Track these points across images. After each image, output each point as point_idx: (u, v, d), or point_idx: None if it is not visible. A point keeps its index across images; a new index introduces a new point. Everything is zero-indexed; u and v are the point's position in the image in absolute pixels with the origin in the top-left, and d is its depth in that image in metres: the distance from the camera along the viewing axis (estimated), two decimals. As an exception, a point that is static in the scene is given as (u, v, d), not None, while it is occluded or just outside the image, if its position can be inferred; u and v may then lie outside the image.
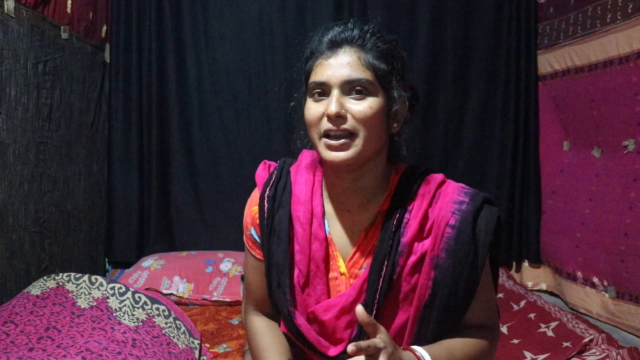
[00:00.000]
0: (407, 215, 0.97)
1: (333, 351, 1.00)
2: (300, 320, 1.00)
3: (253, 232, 1.10)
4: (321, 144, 0.95)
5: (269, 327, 1.09)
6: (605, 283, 2.09)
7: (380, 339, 0.82)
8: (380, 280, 0.95)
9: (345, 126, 0.92)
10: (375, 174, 0.99)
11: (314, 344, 1.00)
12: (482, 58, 2.72)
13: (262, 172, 1.11)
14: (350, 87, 0.92)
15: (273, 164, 1.13)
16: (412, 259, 0.96)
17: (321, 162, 1.06)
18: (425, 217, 0.96)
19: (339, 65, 0.93)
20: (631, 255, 1.95)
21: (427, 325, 0.97)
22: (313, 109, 0.95)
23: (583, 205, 2.26)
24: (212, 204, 2.79)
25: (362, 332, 0.96)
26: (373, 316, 0.94)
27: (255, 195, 1.12)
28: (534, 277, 2.64)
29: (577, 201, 2.30)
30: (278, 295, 1.02)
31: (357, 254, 1.00)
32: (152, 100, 2.74)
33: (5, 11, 1.78)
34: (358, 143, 0.92)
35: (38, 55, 2.00)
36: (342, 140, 0.92)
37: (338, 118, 0.91)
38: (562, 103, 2.44)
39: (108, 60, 2.69)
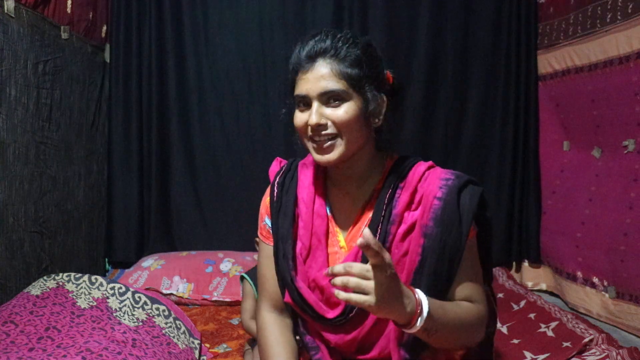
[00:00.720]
0: (398, 191, 1.09)
1: (331, 314, 1.09)
2: (301, 284, 1.10)
3: (267, 220, 1.21)
4: (309, 146, 1.08)
5: (282, 334, 1.17)
6: (605, 283, 2.09)
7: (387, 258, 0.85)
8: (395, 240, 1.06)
9: (326, 132, 1.04)
10: (364, 160, 1.11)
11: (314, 306, 1.10)
12: (482, 58, 2.71)
13: (275, 166, 1.27)
14: (327, 97, 1.04)
15: (284, 161, 1.27)
16: (403, 227, 1.06)
17: None
18: (414, 191, 1.07)
19: (315, 78, 1.04)
20: (631, 255, 1.95)
21: None
22: (299, 118, 1.08)
23: (583, 205, 2.26)
24: (212, 204, 2.79)
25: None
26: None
27: (268, 189, 1.24)
28: (534, 277, 2.64)
29: (577, 201, 2.30)
30: (282, 265, 1.13)
31: (355, 229, 1.12)
32: (152, 100, 2.74)
33: (5, 11, 1.78)
34: (341, 144, 1.05)
35: (38, 55, 2.00)
36: (327, 144, 1.05)
37: (319, 127, 1.04)
38: (562, 103, 2.44)
39: (108, 60, 2.69)
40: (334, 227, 1.14)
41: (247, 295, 1.81)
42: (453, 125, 2.75)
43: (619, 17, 2.00)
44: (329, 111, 1.04)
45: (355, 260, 1.06)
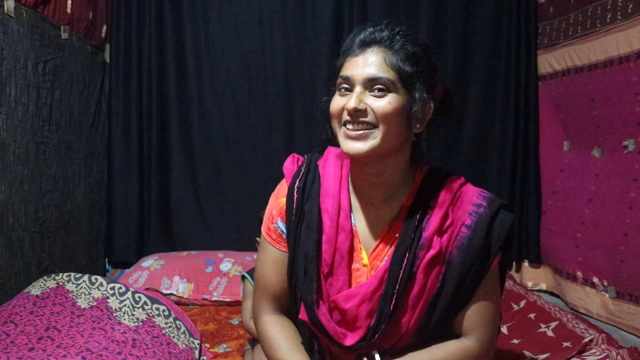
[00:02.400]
0: (429, 212, 1.02)
1: (349, 341, 1.03)
2: (323, 310, 1.04)
3: (280, 224, 1.13)
4: (341, 133, 1.01)
5: (288, 333, 1.11)
6: (605, 283, 2.09)
7: None
8: (401, 271, 1.00)
9: (364, 119, 0.97)
10: (397, 169, 1.04)
11: (332, 334, 1.04)
12: (482, 58, 2.72)
13: (291, 165, 1.16)
14: (373, 85, 0.98)
15: (301, 158, 1.18)
16: (431, 252, 1.00)
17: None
18: (446, 214, 1.02)
19: (365, 63, 0.98)
20: (631, 255, 1.95)
21: (430, 319, 1.02)
22: (337, 101, 1.02)
23: (583, 205, 2.26)
24: (212, 204, 2.79)
25: (381, 320, 1.01)
26: (392, 306, 1.00)
27: (282, 187, 1.15)
28: (534, 277, 2.64)
29: (577, 201, 2.30)
30: (303, 283, 1.06)
31: (380, 246, 1.05)
32: (152, 100, 2.74)
33: (5, 11, 1.78)
34: (376, 136, 0.97)
35: (38, 55, 2.00)
36: (361, 132, 0.97)
37: (357, 112, 0.97)
38: (562, 103, 2.44)
39: (108, 60, 2.69)
40: (357, 243, 1.06)
41: (247, 295, 1.81)
42: (453, 125, 2.75)
43: (619, 17, 2.00)
44: (371, 99, 0.97)
45: (380, 281, 1.02)
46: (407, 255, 1.00)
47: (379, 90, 0.97)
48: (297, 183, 1.10)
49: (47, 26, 2.06)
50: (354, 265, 1.06)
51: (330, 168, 1.11)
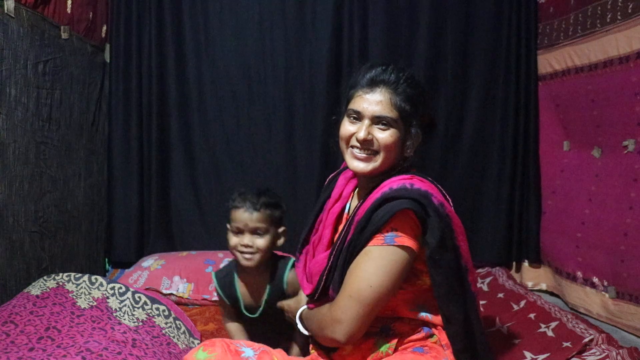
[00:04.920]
0: (369, 196, 1.27)
1: (307, 290, 1.39)
2: (300, 264, 1.49)
3: None
4: (348, 152, 1.30)
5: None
6: (605, 283, 2.09)
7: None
8: (338, 242, 1.30)
9: (370, 147, 1.25)
10: (385, 177, 1.30)
11: (301, 282, 1.45)
12: (482, 58, 2.71)
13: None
14: (378, 120, 1.25)
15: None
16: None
17: None
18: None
19: (373, 101, 1.25)
20: (631, 255, 1.95)
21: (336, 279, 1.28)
22: (347, 127, 1.29)
23: (583, 205, 2.26)
24: (212, 204, 2.79)
25: (322, 275, 1.31)
26: (327, 267, 1.30)
27: None
28: (534, 277, 2.64)
29: (577, 201, 2.30)
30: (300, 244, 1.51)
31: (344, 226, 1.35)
32: (152, 100, 2.74)
33: (5, 11, 1.78)
34: (377, 160, 1.26)
35: (38, 55, 2.00)
36: (365, 155, 1.26)
37: (365, 141, 1.25)
38: (562, 103, 2.44)
39: (108, 60, 2.69)
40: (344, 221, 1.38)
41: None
42: (453, 125, 2.75)
43: (619, 17, 2.00)
44: (376, 131, 1.25)
45: (330, 252, 1.33)
46: (344, 230, 1.29)
47: (383, 124, 1.24)
48: (328, 179, 1.58)
49: (47, 26, 2.06)
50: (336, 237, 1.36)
51: (346, 173, 1.46)
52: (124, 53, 2.70)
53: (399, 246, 1.17)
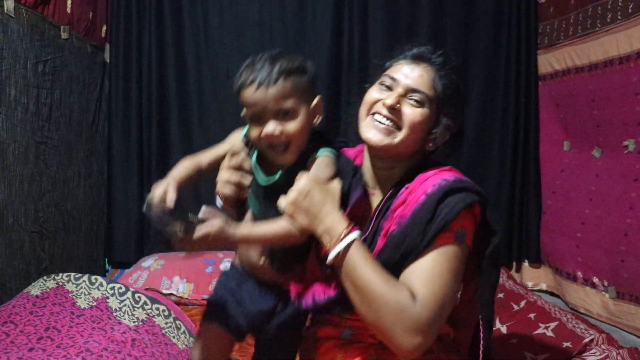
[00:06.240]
0: (403, 190, 1.10)
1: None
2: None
3: None
4: (366, 121, 1.11)
5: None
6: (605, 283, 2.09)
7: None
8: (365, 236, 1.07)
9: (395, 119, 1.07)
10: (403, 172, 1.13)
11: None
12: (482, 58, 2.71)
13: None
14: (412, 94, 1.09)
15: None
16: (390, 222, 1.07)
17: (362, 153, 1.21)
18: (413, 190, 1.08)
19: (414, 74, 1.11)
20: (631, 255, 1.95)
21: None
22: (375, 92, 1.12)
23: (583, 205, 2.26)
24: (212, 203, 2.77)
25: None
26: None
27: None
28: (534, 277, 2.64)
29: (577, 201, 2.30)
30: None
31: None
32: (152, 100, 2.74)
33: (5, 11, 1.78)
34: (398, 136, 1.07)
35: (38, 55, 2.00)
36: (388, 125, 1.07)
37: (392, 109, 1.07)
38: (562, 103, 2.44)
39: (108, 60, 2.69)
40: None
41: None
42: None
43: (619, 17, 2.00)
44: (406, 105, 1.08)
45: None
46: (371, 225, 1.09)
47: (416, 101, 1.08)
48: None
49: (46, 26, 2.06)
50: None
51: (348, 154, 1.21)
52: (124, 53, 2.70)
53: (467, 246, 1.03)
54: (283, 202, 1.03)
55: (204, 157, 1.29)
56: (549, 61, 2.53)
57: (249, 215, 1.17)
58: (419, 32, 2.70)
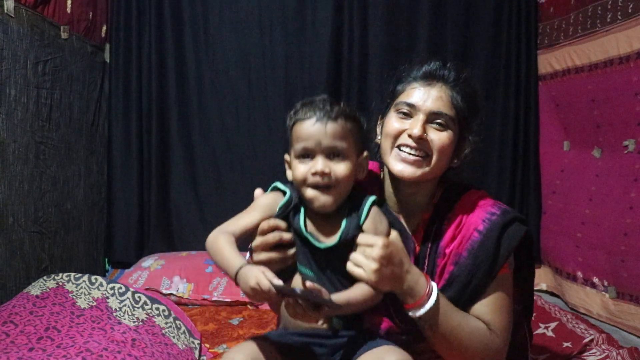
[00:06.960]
0: (446, 223, 1.10)
1: (384, 325, 1.11)
2: None
3: None
4: (393, 154, 1.08)
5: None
6: (606, 283, 2.09)
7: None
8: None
9: (423, 148, 1.05)
10: (428, 192, 1.14)
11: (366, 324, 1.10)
12: (482, 58, 2.71)
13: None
14: (435, 118, 1.06)
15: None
16: (445, 260, 1.08)
17: (379, 176, 1.20)
18: (460, 224, 1.09)
19: (431, 96, 1.06)
20: (631, 255, 1.95)
21: None
22: (395, 123, 1.08)
23: (583, 205, 2.26)
24: (212, 204, 2.79)
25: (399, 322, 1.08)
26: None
27: None
28: (534, 277, 2.64)
29: (577, 201, 2.30)
30: None
31: None
32: (152, 100, 2.74)
33: (5, 11, 1.78)
34: (428, 165, 1.06)
35: (38, 55, 2.00)
36: (417, 158, 1.05)
37: (420, 140, 1.04)
38: (562, 103, 2.44)
39: (108, 60, 2.69)
40: None
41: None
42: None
43: (619, 17, 2.00)
44: (431, 131, 1.05)
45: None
46: (426, 264, 1.08)
47: (439, 124, 1.06)
48: None
49: (46, 26, 2.06)
50: None
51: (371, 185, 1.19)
52: (123, 53, 2.70)
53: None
54: (355, 268, 0.99)
55: (235, 229, 1.16)
56: (549, 61, 2.53)
57: (297, 279, 1.07)
58: (419, 32, 2.70)
